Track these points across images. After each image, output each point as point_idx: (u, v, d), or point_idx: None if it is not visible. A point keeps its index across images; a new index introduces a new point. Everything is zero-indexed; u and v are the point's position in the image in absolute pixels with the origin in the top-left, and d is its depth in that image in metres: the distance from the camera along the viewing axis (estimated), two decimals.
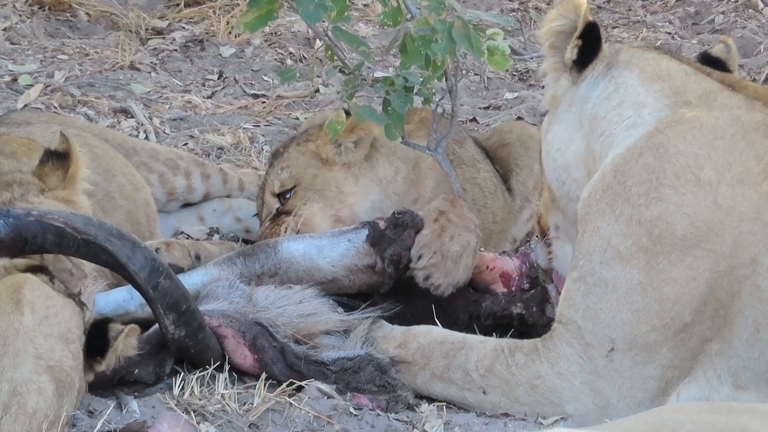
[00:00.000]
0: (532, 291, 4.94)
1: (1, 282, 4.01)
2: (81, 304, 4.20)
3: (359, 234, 4.89)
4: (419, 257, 4.82)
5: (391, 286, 4.92)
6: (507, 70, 8.27)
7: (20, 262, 4.14)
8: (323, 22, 5.18)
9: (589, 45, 4.67)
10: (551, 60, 4.76)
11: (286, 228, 5.37)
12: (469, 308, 4.92)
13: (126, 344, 4.17)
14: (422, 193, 5.53)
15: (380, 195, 5.51)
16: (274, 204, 5.50)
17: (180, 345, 4.40)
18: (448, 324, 4.78)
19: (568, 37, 4.68)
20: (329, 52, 5.35)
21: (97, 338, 4.15)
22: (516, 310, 4.91)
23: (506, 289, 4.98)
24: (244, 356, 4.51)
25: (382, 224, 4.88)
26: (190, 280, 4.74)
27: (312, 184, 5.46)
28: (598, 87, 4.65)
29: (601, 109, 4.61)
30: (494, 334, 4.75)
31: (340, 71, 5.33)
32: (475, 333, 4.76)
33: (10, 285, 3.96)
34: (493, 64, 5.14)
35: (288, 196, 5.46)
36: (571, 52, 4.69)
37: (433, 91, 5.39)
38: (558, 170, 4.74)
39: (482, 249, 5.09)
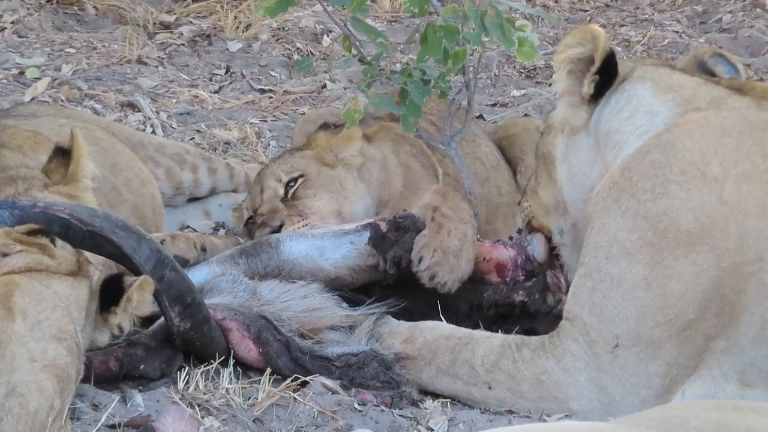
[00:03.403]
0: (534, 279, 4.94)
1: None
2: (86, 270, 4.21)
3: (361, 236, 4.90)
4: (420, 259, 4.82)
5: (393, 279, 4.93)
6: (514, 67, 8.28)
7: (18, 264, 4.12)
8: (342, 8, 5.17)
9: (605, 72, 4.67)
10: (567, 83, 4.72)
11: (298, 221, 5.36)
12: (470, 298, 4.92)
13: (141, 298, 4.20)
14: (392, 193, 5.57)
15: (370, 199, 5.53)
16: (279, 189, 5.45)
17: (185, 337, 4.40)
18: (450, 315, 4.79)
19: (585, 64, 4.67)
20: (347, 43, 5.34)
21: (112, 291, 4.18)
22: (518, 298, 4.91)
23: (500, 280, 4.98)
24: (248, 349, 4.51)
25: (383, 226, 4.89)
26: (192, 278, 4.73)
27: (318, 177, 5.47)
28: (610, 102, 4.66)
29: (614, 122, 4.61)
30: (498, 330, 4.76)
31: (359, 61, 5.33)
32: (476, 323, 4.77)
33: (2, 293, 3.95)
34: (521, 55, 5.13)
35: (293, 185, 5.44)
36: (588, 87, 4.68)
37: (450, 85, 5.38)
38: (585, 192, 4.74)
39: (479, 238, 5.09)
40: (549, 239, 4.96)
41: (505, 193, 5.93)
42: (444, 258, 4.82)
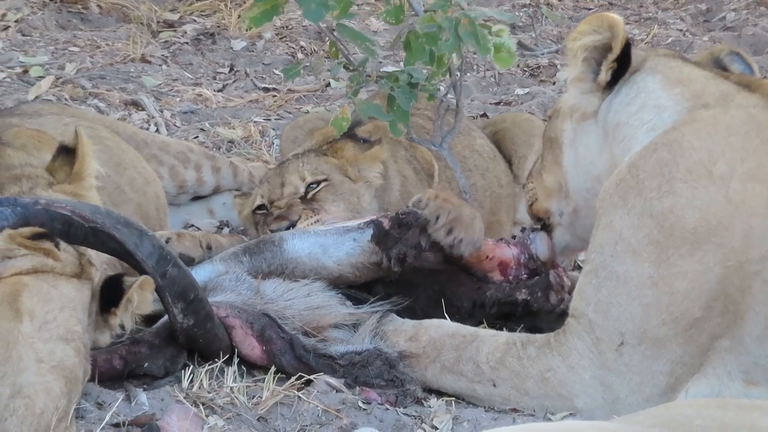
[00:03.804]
0: (537, 277, 4.94)
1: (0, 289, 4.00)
2: (88, 272, 4.21)
3: (364, 234, 4.89)
4: (437, 218, 4.80)
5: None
6: (518, 66, 8.29)
7: (25, 266, 4.12)
8: (325, 19, 5.20)
9: (620, 60, 4.67)
10: (579, 70, 4.72)
11: (310, 215, 5.37)
12: (473, 296, 4.92)
13: (142, 298, 4.20)
14: (391, 201, 5.61)
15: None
16: (301, 187, 5.47)
17: (188, 334, 4.40)
18: (453, 313, 4.79)
19: (600, 52, 4.67)
20: (333, 49, 5.38)
21: (112, 291, 4.18)
22: (521, 296, 4.90)
23: (503, 278, 4.98)
24: (252, 347, 4.51)
25: (386, 224, 4.88)
26: (196, 276, 4.73)
27: (340, 186, 5.50)
28: (620, 93, 4.66)
29: (623, 115, 4.62)
30: (501, 328, 4.75)
31: (345, 68, 5.36)
32: (479, 322, 4.77)
33: (9, 293, 3.95)
34: (498, 61, 5.16)
35: (314, 187, 5.46)
36: (605, 74, 4.68)
37: (438, 86, 5.40)
38: (590, 181, 4.75)
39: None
40: (550, 232, 4.96)
41: (504, 183, 5.99)
42: (460, 217, 4.80)
